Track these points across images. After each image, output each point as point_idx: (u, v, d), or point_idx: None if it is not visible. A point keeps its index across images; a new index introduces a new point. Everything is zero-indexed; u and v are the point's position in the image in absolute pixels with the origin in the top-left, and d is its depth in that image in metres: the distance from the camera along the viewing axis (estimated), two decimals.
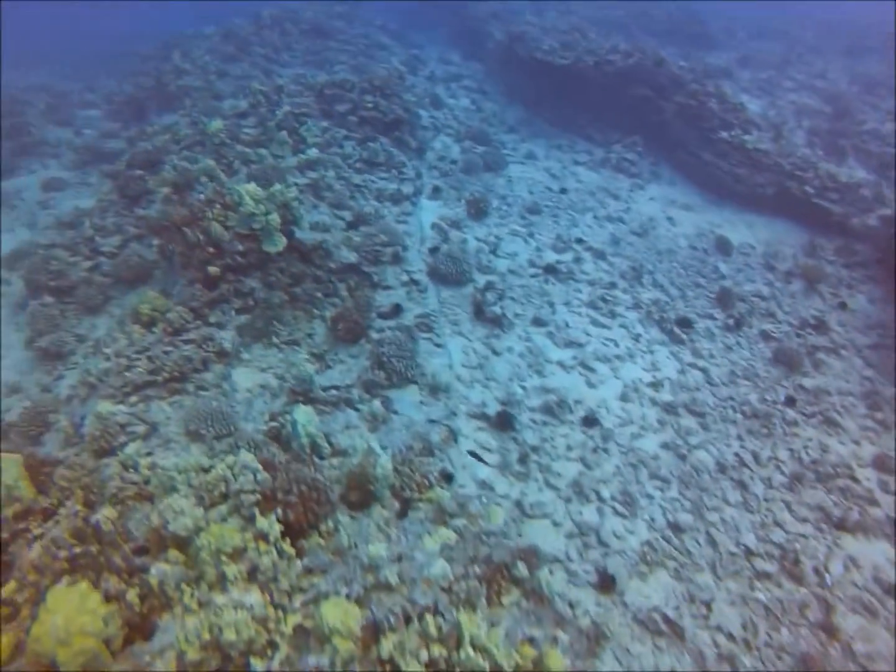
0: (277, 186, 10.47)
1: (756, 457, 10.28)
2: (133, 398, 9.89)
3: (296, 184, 13.79)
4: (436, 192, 15.51)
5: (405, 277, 12.15)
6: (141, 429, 9.43)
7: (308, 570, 6.16)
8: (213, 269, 10.40)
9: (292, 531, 6.61)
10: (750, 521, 9.30)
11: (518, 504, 9.11)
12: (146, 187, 14.63)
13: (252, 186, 10.33)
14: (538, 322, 12.33)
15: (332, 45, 23.58)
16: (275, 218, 10.34)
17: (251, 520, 6.40)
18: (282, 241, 10.53)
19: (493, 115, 20.18)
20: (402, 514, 7.70)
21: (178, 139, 16.09)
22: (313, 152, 14.40)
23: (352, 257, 11.62)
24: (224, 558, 5.90)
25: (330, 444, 9.13)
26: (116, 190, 14.93)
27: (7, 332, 12.91)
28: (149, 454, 9.14)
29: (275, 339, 11.03)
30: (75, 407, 10.15)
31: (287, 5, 25.40)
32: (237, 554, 6.04)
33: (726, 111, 17.75)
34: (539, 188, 16.62)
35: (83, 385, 10.35)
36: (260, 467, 7.08)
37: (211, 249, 10.36)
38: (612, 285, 13.47)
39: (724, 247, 15.13)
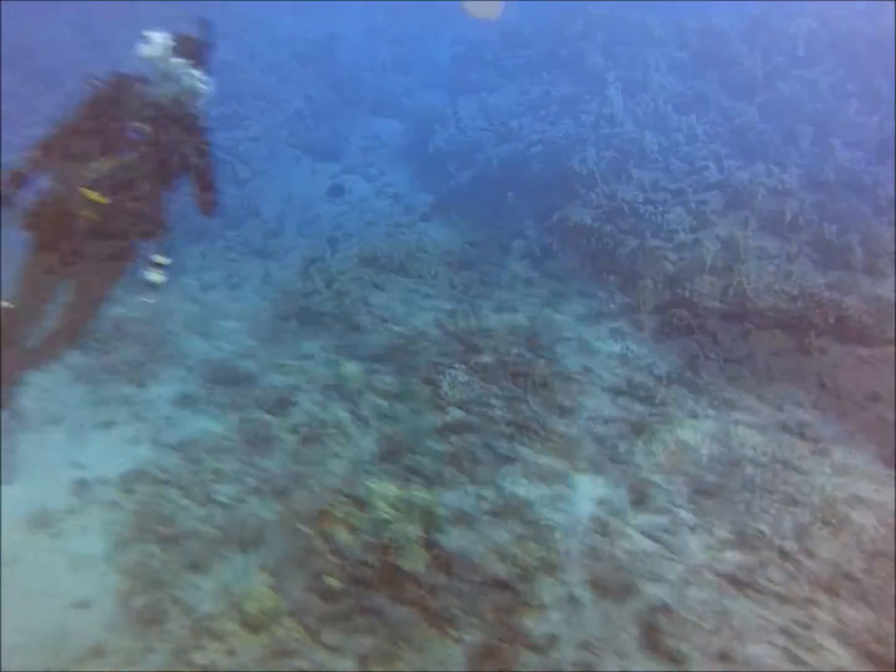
0: (419, 493, 8.82)
1: None
2: None
3: (436, 450, 12.40)
4: (593, 467, 13.45)
5: (561, 591, 9.85)
6: None
7: None
8: (332, 582, 8.61)
9: None
10: None
11: None
12: (271, 432, 13.76)
13: (389, 488, 8.71)
14: (723, 657, 9.54)
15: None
16: (414, 530, 8.58)
17: None
18: (422, 558, 8.66)
19: (649, 364, 18.33)
20: None
21: (313, 377, 15.45)
22: (457, 413, 13.03)
23: (499, 569, 9.55)
24: None
25: None
26: (240, 431, 14.11)
27: (107, 570, 11.51)
28: None
29: (399, 666, 8.93)
30: None
31: None
32: None
33: None
34: (713, 465, 14.19)
35: None
36: None
37: (334, 560, 8.65)
38: (810, 601, 10.46)
39: None
